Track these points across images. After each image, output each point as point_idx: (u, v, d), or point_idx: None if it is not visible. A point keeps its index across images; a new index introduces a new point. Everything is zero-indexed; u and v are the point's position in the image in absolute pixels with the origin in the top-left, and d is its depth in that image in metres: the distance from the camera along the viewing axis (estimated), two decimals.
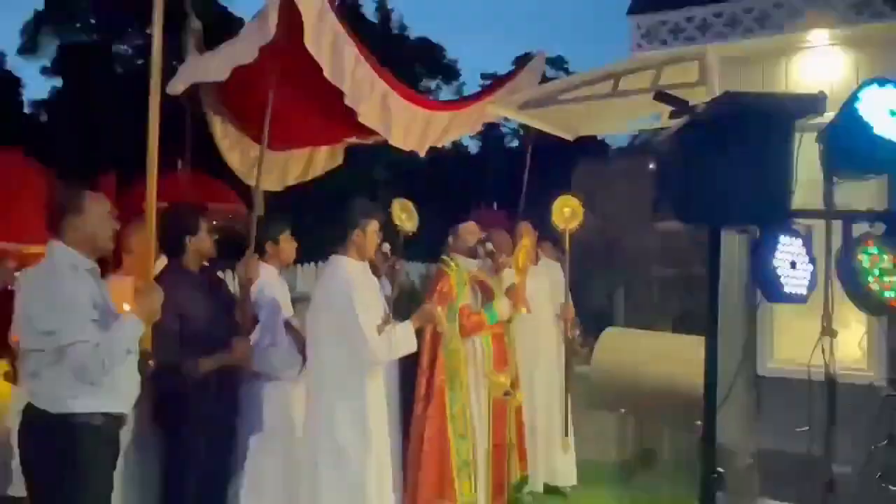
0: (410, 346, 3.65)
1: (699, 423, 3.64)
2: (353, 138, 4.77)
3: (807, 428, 2.48)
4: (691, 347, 4.06)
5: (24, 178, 4.76)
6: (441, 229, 4.85)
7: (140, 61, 30.21)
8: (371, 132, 4.38)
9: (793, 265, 2.08)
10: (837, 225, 2.31)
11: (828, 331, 2.34)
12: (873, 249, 2.16)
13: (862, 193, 2.75)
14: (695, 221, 2.28)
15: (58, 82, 29.98)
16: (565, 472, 5.29)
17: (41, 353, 2.69)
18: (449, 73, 33.18)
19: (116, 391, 2.82)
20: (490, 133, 28.67)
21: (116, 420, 2.85)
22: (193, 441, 3.42)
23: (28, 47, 30.22)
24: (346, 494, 3.36)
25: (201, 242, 3.54)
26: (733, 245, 3.13)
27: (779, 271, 2.05)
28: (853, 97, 2.14)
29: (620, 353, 4.07)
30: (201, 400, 3.41)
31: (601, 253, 6.58)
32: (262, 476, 3.82)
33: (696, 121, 2.19)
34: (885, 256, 2.18)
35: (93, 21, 30.11)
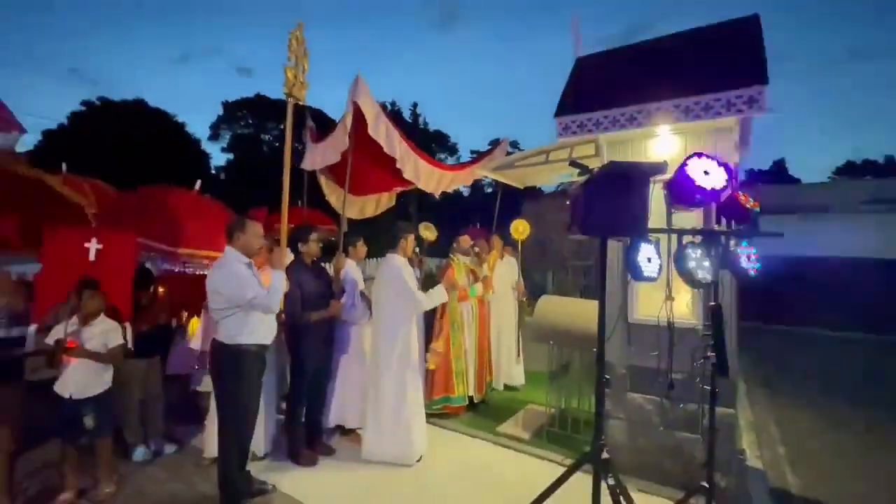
0: (442, 299, 3.62)
1: (595, 349, 3.68)
2: (401, 188, 4.78)
3: (656, 353, 2.48)
4: (587, 306, 4.06)
5: (211, 209, 4.71)
6: (447, 240, 4.84)
7: (277, 144, 30.26)
8: (409, 183, 4.39)
9: (649, 260, 2.09)
10: (674, 237, 2.32)
11: (669, 297, 2.33)
12: (696, 251, 2.16)
13: (686, 218, 2.75)
14: (592, 234, 2.27)
15: (230, 156, 30.00)
16: (518, 377, 5.32)
17: (223, 310, 2.69)
18: (452, 150, 33.22)
19: (264, 331, 2.82)
20: (476, 184, 28.69)
21: (263, 348, 2.84)
22: (306, 359, 3.43)
23: (213, 136, 30.22)
24: (396, 388, 3.35)
25: (310, 247, 3.53)
26: (613, 248, 3.13)
27: (640, 263, 2.05)
28: (683, 164, 2.14)
29: (550, 310, 4.05)
30: (312, 336, 3.42)
31: (538, 252, 6.52)
32: (345, 381, 3.81)
33: (594, 177, 2.19)
34: (700, 253, 2.18)
35: (250, 120, 30.14)
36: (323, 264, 3.78)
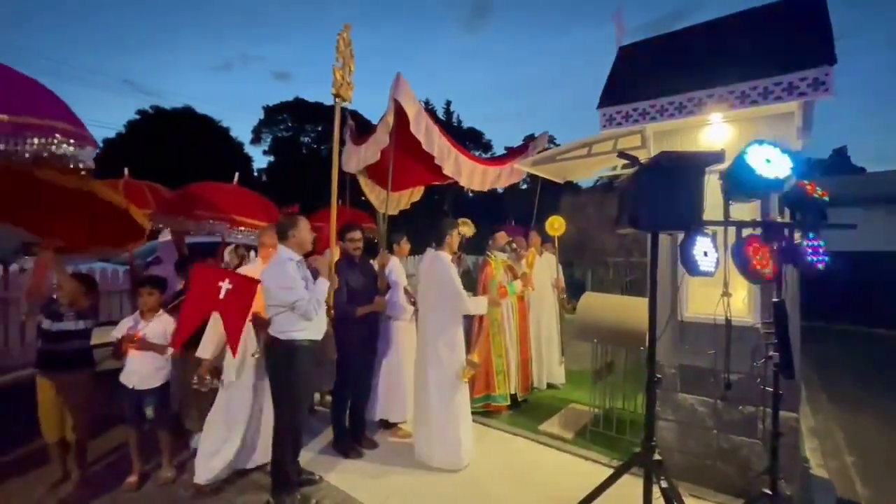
0: (481, 311, 3.62)
1: (643, 348, 3.55)
2: (438, 181, 4.78)
3: (713, 352, 2.35)
4: (633, 303, 3.92)
5: (250, 193, 4.88)
6: (483, 236, 4.80)
7: (315, 145, 31.14)
8: (446, 178, 4.39)
9: (705, 254, 1.98)
10: (731, 229, 2.19)
11: (726, 293, 2.21)
12: (756, 244, 2.03)
13: (744, 209, 2.60)
14: (642, 228, 2.18)
15: (271, 159, 31.06)
16: (559, 375, 5.21)
17: (275, 306, 2.78)
18: (486, 147, 33.05)
19: (315, 327, 2.88)
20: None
21: (314, 343, 2.91)
22: (352, 354, 3.48)
23: (255, 139, 31.41)
24: (442, 388, 3.32)
25: (355, 244, 3.59)
26: (664, 242, 3.00)
27: (696, 257, 1.95)
28: (742, 152, 2.02)
29: (594, 307, 3.94)
30: (357, 331, 3.48)
31: (577, 249, 6.34)
32: (389, 376, 3.85)
33: (644, 169, 2.11)
34: (762, 247, 2.05)
35: (289, 123, 31.11)
36: (371, 260, 3.82)
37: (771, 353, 2.13)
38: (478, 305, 3.51)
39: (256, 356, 3.07)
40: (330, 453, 3.51)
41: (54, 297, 3.00)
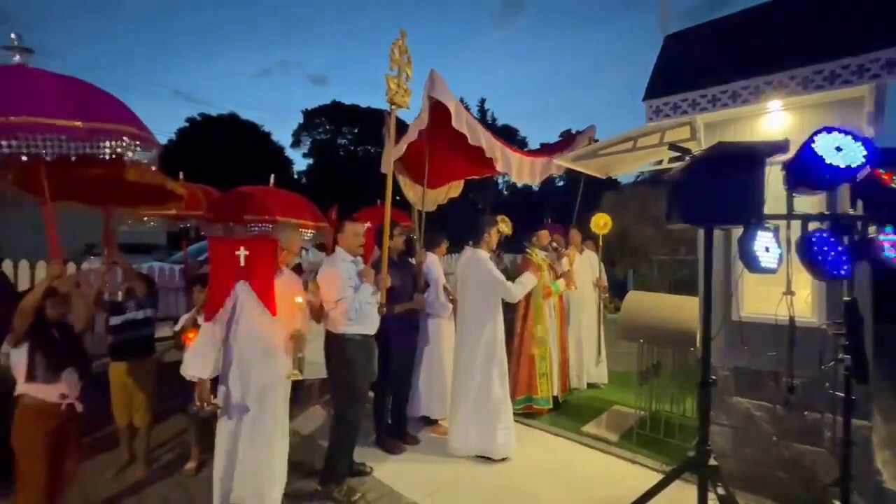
0: (532, 283, 3.58)
1: (693, 348, 3.40)
2: (476, 176, 4.75)
3: (773, 353, 2.22)
4: (681, 302, 3.76)
5: (288, 193, 4.99)
6: (520, 235, 4.72)
7: (352, 147, 31.83)
8: (483, 172, 4.37)
9: (767, 249, 1.87)
10: (795, 223, 2.06)
11: (789, 292, 2.08)
12: (823, 238, 1.90)
13: (808, 202, 2.43)
14: (696, 223, 2.09)
15: (310, 161, 31.99)
16: (600, 375, 5.07)
17: (328, 303, 2.88)
18: (522, 144, 32.71)
19: (367, 322, 2.96)
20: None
21: (368, 338, 3.00)
22: (392, 351, 3.52)
23: (295, 142, 32.45)
24: (481, 382, 3.35)
25: (395, 242, 3.64)
26: (717, 238, 2.86)
27: (757, 253, 1.84)
28: (809, 140, 1.89)
29: (640, 307, 3.81)
30: (397, 328, 3.51)
31: (619, 246, 6.14)
32: (429, 373, 3.88)
33: (698, 161, 2.01)
34: (833, 242, 1.91)
35: (327, 126, 31.92)
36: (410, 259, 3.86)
37: (841, 355, 1.98)
38: (524, 284, 3.48)
39: (292, 376, 2.73)
40: (373, 449, 3.57)
41: (118, 295, 3.24)
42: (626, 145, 3.63)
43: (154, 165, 2.41)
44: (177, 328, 3.23)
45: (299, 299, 2.66)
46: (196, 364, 2.51)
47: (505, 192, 32.57)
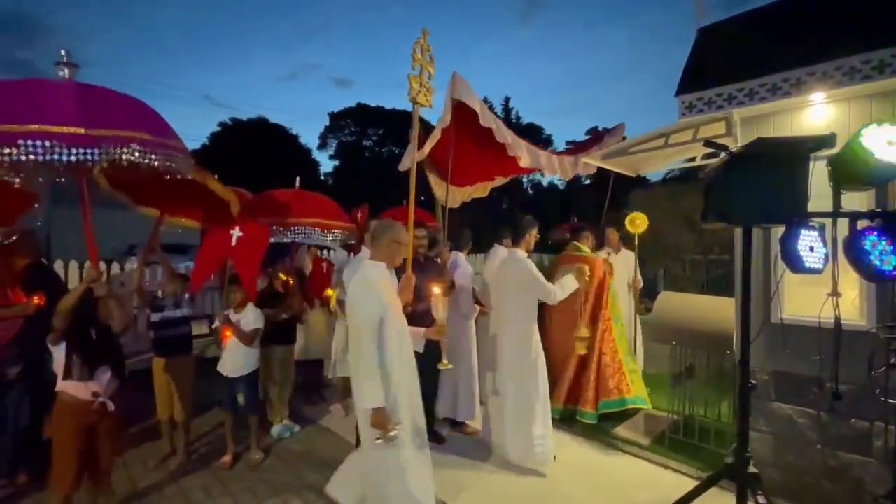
0: (573, 286, 3.42)
1: (729, 351, 3.28)
2: (502, 176, 4.72)
3: (818, 357, 2.12)
4: (716, 303, 3.64)
5: (314, 195, 5.01)
6: (544, 235, 4.64)
7: (377, 148, 32.21)
8: (509, 173, 4.32)
9: (811, 249, 1.79)
10: (842, 222, 1.96)
11: (835, 293, 1.98)
12: (874, 237, 1.80)
13: (856, 199, 2.31)
14: (734, 223, 2.02)
15: (336, 163, 32.51)
16: None
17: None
18: (547, 142, 32.31)
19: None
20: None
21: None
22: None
23: (322, 144, 33.04)
24: (521, 387, 3.27)
25: (419, 242, 3.65)
26: (755, 237, 2.75)
27: (801, 253, 1.77)
28: (857, 135, 1.79)
29: (673, 307, 3.71)
30: (421, 322, 3.50)
31: (649, 246, 5.99)
32: (455, 374, 3.83)
33: (737, 157, 1.94)
34: (883, 242, 1.80)
35: (353, 128, 32.38)
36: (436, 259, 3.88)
37: (893, 360, 1.88)
38: (565, 286, 3.36)
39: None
40: None
41: (158, 293, 3.38)
42: (657, 142, 3.53)
43: (188, 172, 2.47)
44: (214, 327, 3.36)
45: (437, 290, 2.68)
46: (372, 391, 2.17)
47: (530, 192, 32.23)
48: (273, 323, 3.66)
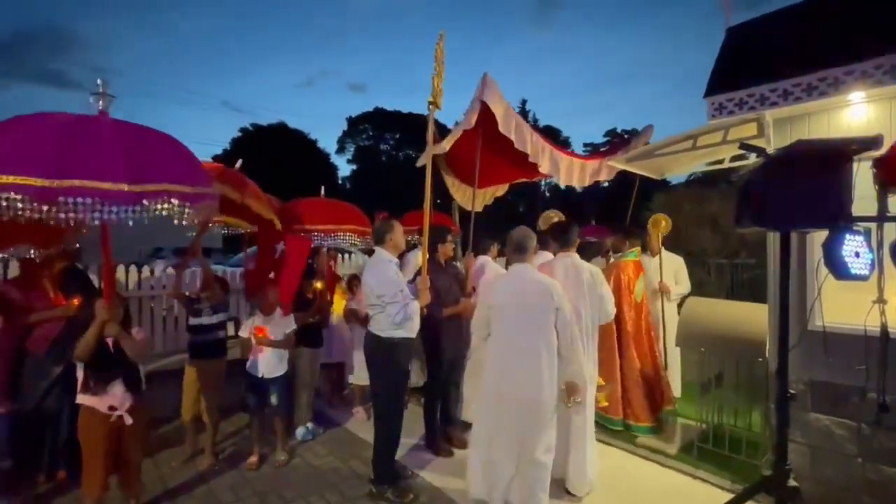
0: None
1: (761, 359, 3.18)
2: (524, 178, 4.69)
3: (862, 367, 2.03)
4: (746, 309, 3.54)
5: (338, 202, 5.06)
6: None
7: (393, 152, 32.43)
8: (531, 175, 4.29)
9: (857, 254, 1.71)
10: (890, 226, 1.88)
11: (881, 300, 1.89)
12: None
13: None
14: (773, 227, 1.95)
15: (354, 167, 32.84)
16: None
17: (374, 305, 2.90)
18: (565, 144, 32.05)
19: (411, 327, 2.95)
20: None
21: (410, 340, 3.00)
22: (441, 354, 3.53)
23: (340, 149, 33.45)
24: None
25: (446, 248, 3.65)
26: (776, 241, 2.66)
27: (847, 259, 1.69)
28: None
29: (701, 313, 3.61)
30: (445, 332, 3.51)
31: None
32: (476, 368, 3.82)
33: (774, 160, 1.88)
34: None
35: (371, 132, 32.68)
36: (457, 264, 3.87)
37: None
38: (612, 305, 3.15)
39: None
40: (422, 451, 3.59)
41: (197, 297, 3.45)
42: (684, 144, 3.46)
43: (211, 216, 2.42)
44: (243, 333, 3.41)
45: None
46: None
47: (547, 195, 31.96)
48: (301, 326, 3.69)
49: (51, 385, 2.97)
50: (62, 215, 1.85)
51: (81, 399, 2.40)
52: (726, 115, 3.01)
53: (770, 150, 2.08)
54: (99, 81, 2.34)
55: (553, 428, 2.61)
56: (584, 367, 2.73)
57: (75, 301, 3.02)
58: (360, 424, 4.13)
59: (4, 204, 1.80)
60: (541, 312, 2.58)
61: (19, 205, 1.80)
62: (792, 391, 2.09)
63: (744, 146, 2.05)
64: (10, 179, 1.80)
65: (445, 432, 3.69)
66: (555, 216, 4.24)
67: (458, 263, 4.15)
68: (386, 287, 2.83)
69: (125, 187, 1.95)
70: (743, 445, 3.35)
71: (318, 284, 4.06)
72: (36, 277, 3.15)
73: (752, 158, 2.97)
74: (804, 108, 2.80)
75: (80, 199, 1.85)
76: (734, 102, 2.97)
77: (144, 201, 1.98)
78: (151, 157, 2.18)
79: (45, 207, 1.83)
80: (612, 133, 31.57)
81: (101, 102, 2.31)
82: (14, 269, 3.87)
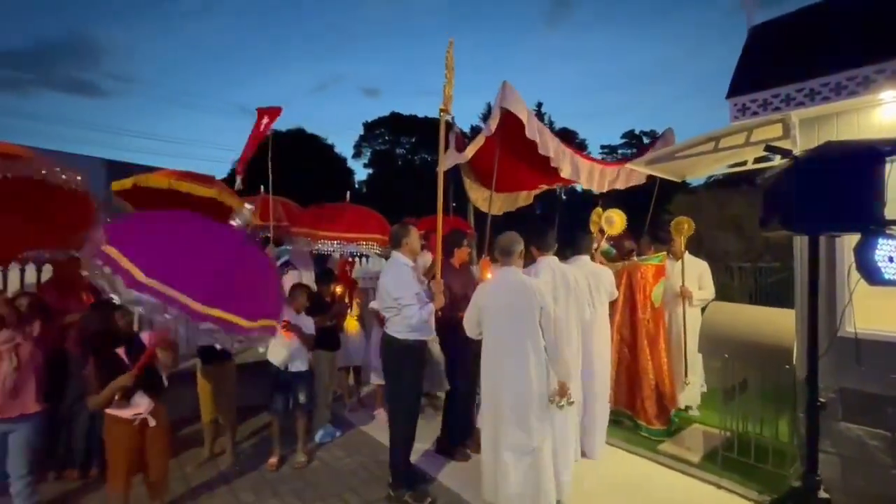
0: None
1: (788, 366, 3.09)
2: (546, 185, 4.67)
3: None
4: (771, 315, 3.44)
5: (360, 208, 5.11)
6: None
7: (409, 156, 32.63)
8: (552, 181, 4.26)
9: (890, 259, 1.66)
10: None
11: None
12: None
13: None
14: (801, 231, 1.90)
15: (371, 171, 33.12)
16: (690, 398, 4.42)
17: (390, 308, 2.92)
18: (581, 147, 31.76)
19: (425, 330, 2.97)
20: None
21: (423, 342, 3.00)
22: (458, 356, 3.45)
23: (356, 154, 33.79)
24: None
25: (463, 251, 3.65)
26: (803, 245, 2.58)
27: (880, 264, 1.64)
28: None
29: (724, 318, 3.53)
30: (460, 335, 3.47)
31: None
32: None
33: (802, 162, 1.83)
34: None
35: (387, 137, 32.95)
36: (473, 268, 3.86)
37: None
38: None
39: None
40: (438, 454, 3.59)
41: None
42: (706, 146, 3.40)
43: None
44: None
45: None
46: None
47: (563, 197, 31.71)
48: (318, 329, 3.73)
49: (82, 384, 3.07)
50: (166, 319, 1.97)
51: (107, 410, 2.48)
52: (750, 117, 2.95)
53: (797, 151, 2.03)
54: (246, 208, 2.51)
55: (546, 421, 2.69)
56: (570, 365, 2.82)
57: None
58: (379, 427, 4.14)
59: (168, 316, 1.91)
60: (526, 312, 2.65)
61: (171, 316, 1.93)
62: (822, 399, 2.03)
63: (769, 148, 2.01)
64: (180, 297, 1.93)
65: (463, 436, 3.67)
66: (615, 216, 4.14)
67: (475, 268, 4.13)
68: (402, 290, 2.85)
69: (251, 325, 2.10)
70: (770, 455, 3.26)
71: (338, 289, 4.09)
72: (69, 279, 3.26)
73: (777, 160, 2.90)
74: (832, 108, 2.73)
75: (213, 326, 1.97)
76: (758, 103, 2.92)
77: (241, 336, 2.09)
78: (264, 293, 2.32)
79: (145, 297, 1.91)
80: (629, 135, 31.17)
81: (237, 221, 2.45)
82: (47, 272, 4.02)
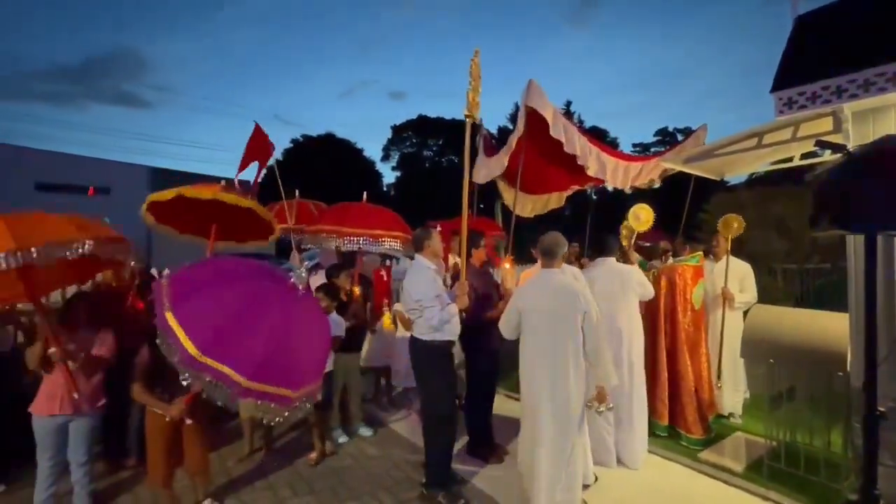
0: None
1: (840, 373, 2.92)
2: (577, 186, 4.60)
3: None
4: (820, 318, 3.26)
5: (379, 208, 5.13)
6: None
7: (437, 158, 32.81)
8: (583, 182, 4.19)
9: None
10: None
11: None
12: None
13: None
14: (857, 230, 1.80)
15: (399, 174, 33.50)
16: (732, 405, 4.23)
17: (414, 310, 2.96)
18: (613, 145, 31.07)
19: (451, 331, 2.99)
20: None
21: (450, 343, 3.03)
22: (482, 357, 3.53)
23: (385, 157, 34.28)
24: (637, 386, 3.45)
25: (480, 252, 3.63)
26: (858, 245, 2.44)
27: None
28: None
29: (769, 322, 3.37)
30: (486, 336, 3.46)
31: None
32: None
33: (858, 158, 1.74)
34: None
35: (414, 140, 33.26)
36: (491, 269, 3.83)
37: None
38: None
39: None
40: (470, 457, 3.57)
41: None
42: (748, 143, 3.26)
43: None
44: None
45: (507, 265, 3.37)
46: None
47: (594, 197, 31.12)
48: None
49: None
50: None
51: (150, 406, 2.62)
52: (797, 110, 2.82)
53: (850, 146, 1.92)
54: (300, 273, 2.50)
55: (583, 425, 2.73)
56: (610, 370, 2.74)
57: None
58: (412, 427, 4.18)
59: (208, 380, 2.01)
60: (568, 315, 2.62)
61: (217, 388, 2.03)
62: (881, 409, 1.91)
63: (820, 143, 1.91)
64: (232, 375, 2.01)
65: (488, 439, 3.64)
66: (642, 211, 4.02)
67: (494, 270, 4.10)
68: (424, 292, 2.89)
69: (295, 395, 2.19)
70: (821, 466, 3.09)
71: (355, 289, 4.12)
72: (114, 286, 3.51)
73: (827, 155, 2.76)
74: (888, 100, 2.57)
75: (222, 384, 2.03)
76: (806, 96, 2.78)
77: (275, 405, 2.15)
78: (309, 355, 2.38)
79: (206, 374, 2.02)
80: (663, 132, 30.25)
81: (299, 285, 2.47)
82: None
